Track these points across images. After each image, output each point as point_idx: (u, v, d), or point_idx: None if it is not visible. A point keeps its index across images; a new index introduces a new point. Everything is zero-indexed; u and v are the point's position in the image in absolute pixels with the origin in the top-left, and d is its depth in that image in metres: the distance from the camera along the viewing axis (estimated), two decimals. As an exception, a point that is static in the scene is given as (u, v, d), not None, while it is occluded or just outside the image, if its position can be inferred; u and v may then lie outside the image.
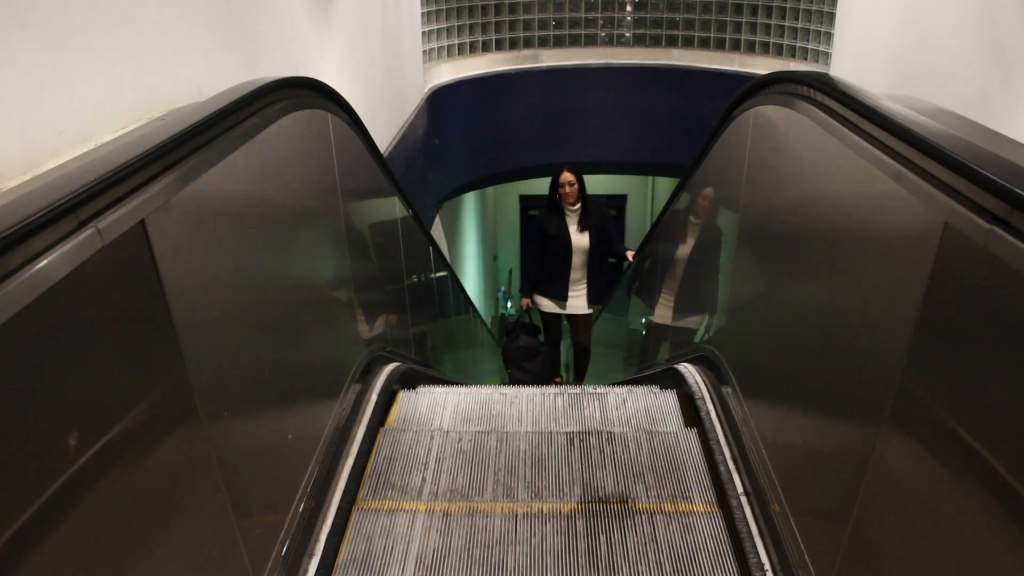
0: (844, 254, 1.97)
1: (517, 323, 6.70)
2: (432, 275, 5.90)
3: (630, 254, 6.16)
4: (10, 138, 1.53)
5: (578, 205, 5.85)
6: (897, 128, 1.61)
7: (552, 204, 5.93)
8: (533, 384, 5.85)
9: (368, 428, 2.97)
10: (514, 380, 6.46)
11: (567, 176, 5.79)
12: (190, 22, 2.38)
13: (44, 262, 1.14)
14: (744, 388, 2.75)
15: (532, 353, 6.56)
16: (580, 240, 5.91)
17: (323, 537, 2.37)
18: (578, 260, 5.99)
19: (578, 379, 6.81)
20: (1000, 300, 1.25)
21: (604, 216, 6.08)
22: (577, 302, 6.17)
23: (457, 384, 4.16)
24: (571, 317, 6.35)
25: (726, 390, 2.95)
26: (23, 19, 1.58)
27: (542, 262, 6.15)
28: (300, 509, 2.24)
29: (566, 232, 5.89)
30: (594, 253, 5.99)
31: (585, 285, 6.13)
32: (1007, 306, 1.23)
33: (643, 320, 6.40)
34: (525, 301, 6.41)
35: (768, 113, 2.69)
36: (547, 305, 6.27)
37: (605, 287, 6.29)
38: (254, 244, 2.12)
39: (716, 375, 3.14)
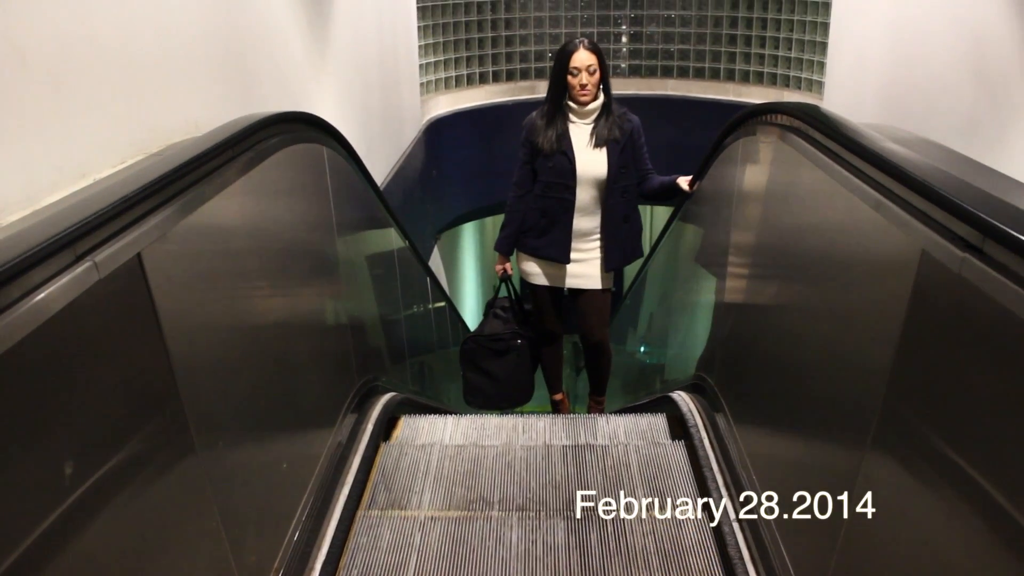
0: (829, 281, 2.00)
1: (494, 301, 4.37)
2: (430, 306, 5.91)
3: (684, 181, 3.81)
4: (10, 174, 1.57)
5: (596, 104, 3.70)
6: (876, 158, 1.66)
7: (553, 104, 3.74)
8: (492, 401, 4.26)
9: (363, 458, 2.99)
10: (467, 390, 4.38)
11: (583, 57, 3.58)
12: (188, 58, 2.43)
13: (42, 295, 1.16)
14: (734, 413, 2.77)
15: (499, 348, 4.20)
16: (592, 162, 3.70)
17: (318, 565, 2.37)
18: (587, 197, 3.75)
19: (594, 391, 4.42)
20: (974, 325, 1.28)
21: (633, 128, 3.78)
22: (585, 269, 3.87)
23: (455, 414, 4.17)
24: (576, 295, 4.00)
25: (717, 416, 2.98)
26: (24, 56, 1.62)
27: (529, 199, 3.86)
28: (295, 538, 2.25)
29: (568, 149, 3.69)
30: (615, 187, 3.73)
31: (599, 241, 3.84)
32: (981, 331, 1.26)
33: (641, 347, 6.36)
34: (501, 266, 4.18)
35: (757, 143, 2.74)
36: (535, 273, 3.98)
37: (636, 244, 3.95)
38: (249, 277, 2.15)
39: (708, 402, 3.16)
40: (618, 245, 3.83)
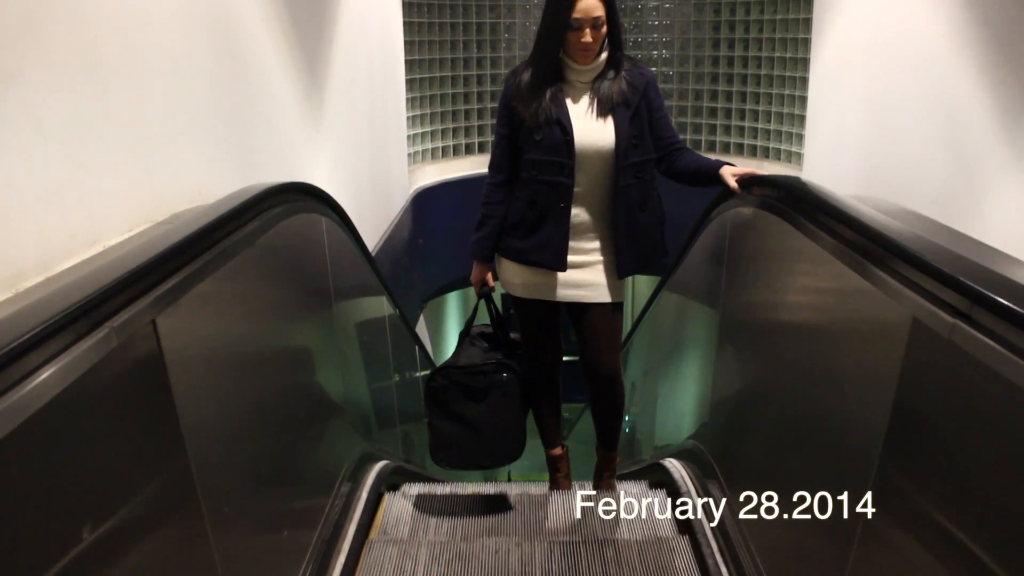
0: (822, 350, 2.05)
1: (468, 330, 3.37)
2: (418, 374, 5.91)
3: (731, 176, 2.73)
4: (26, 240, 1.60)
5: (599, 61, 2.80)
6: (865, 229, 1.72)
7: (543, 59, 2.80)
8: (469, 457, 3.20)
9: (359, 525, 2.98)
10: (435, 444, 3.27)
11: (589, 6, 2.63)
12: (192, 128, 2.49)
13: (65, 361, 1.19)
14: (728, 481, 2.79)
15: (478, 384, 3.11)
16: (594, 132, 2.81)
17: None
18: (589, 179, 2.86)
19: (603, 443, 3.35)
20: (966, 389, 1.33)
21: (648, 83, 2.86)
22: (589, 276, 2.95)
23: (443, 481, 4.17)
24: (575, 310, 3.03)
25: (711, 483, 2.99)
26: (41, 125, 1.67)
27: (512, 186, 2.99)
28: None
29: (563, 117, 2.80)
30: (627, 164, 2.83)
31: (598, 241, 2.94)
32: (972, 395, 1.31)
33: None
34: (479, 278, 3.26)
35: (745, 214, 2.80)
36: (518, 283, 3.06)
37: (658, 240, 3.03)
38: (254, 344, 2.18)
39: (700, 469, 3.18)
40: (633, 242, 2.90)
